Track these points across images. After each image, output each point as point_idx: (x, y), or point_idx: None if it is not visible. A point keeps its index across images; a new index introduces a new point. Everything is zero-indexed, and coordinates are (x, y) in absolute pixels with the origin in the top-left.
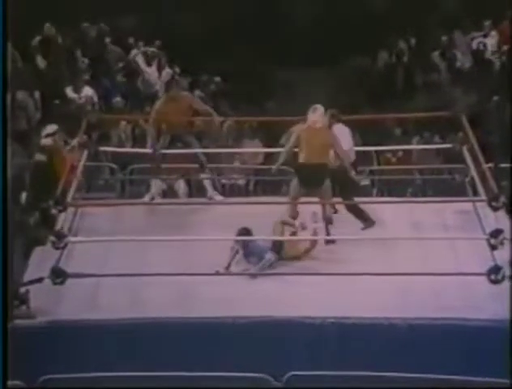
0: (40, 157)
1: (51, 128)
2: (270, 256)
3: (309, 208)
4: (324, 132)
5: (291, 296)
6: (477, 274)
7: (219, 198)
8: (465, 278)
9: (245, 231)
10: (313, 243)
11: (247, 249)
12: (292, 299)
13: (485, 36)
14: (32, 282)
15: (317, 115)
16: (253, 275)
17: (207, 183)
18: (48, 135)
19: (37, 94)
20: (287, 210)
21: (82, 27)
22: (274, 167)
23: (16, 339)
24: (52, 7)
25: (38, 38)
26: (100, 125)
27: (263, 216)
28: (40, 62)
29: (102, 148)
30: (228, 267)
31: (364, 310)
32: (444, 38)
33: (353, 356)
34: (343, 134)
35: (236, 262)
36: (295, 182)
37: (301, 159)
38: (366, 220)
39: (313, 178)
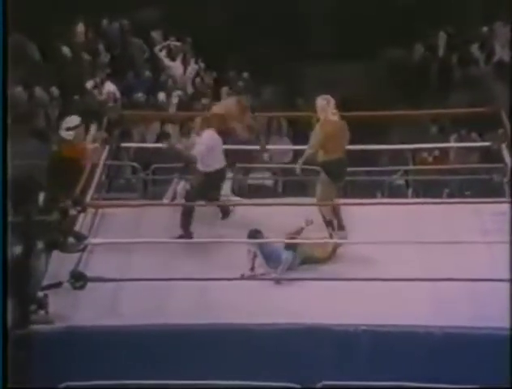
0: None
1: (72, 121)
2: (286, 255)
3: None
4: (342, 125)
5: (321, 302)
6: (507, 280)
7: (235, 198)
8: (500, 284)
9: (256, 232)
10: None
11: (264, 252)
12: (322, 305)
13: None
14: (50, 286)
15: (332, 106)
16: (278, 281)
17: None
18: (69, 129)
19: (57, 91)
20: (325, 214)
21: (105, 22)
22: (297, 166)
23: (34, 345)
24: (74, 1)
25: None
26: (122, 122)
27: (287, 217)
28: (62, 58)
29: (124, 144)
30: (252, 270)
31: (398, 317)
32: (484, 29)
33: (387, 366)
34: (212, 141)
35: (258, 265)
36: (327, 181)
37: (327, 155)
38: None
39: (343, 174)
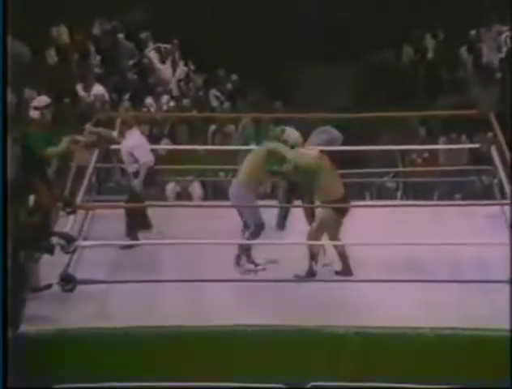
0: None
1: (41, 100)
2: None
3: None
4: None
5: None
6: (498, 281)
7: None
8: (490, 285)
9: None
10: None
11: None
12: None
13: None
14: (40, 289)
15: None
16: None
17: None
18: (37, 108)
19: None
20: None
21: (95, 24)
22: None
23: (24, 347)
24: (65, 2)
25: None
26: (112, 124)
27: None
28: (51, 60)
29: (113, 147)
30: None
31: (389, 319)
32: (472, 32)
33: (377, 368)
34: (136, 140)
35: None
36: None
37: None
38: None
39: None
